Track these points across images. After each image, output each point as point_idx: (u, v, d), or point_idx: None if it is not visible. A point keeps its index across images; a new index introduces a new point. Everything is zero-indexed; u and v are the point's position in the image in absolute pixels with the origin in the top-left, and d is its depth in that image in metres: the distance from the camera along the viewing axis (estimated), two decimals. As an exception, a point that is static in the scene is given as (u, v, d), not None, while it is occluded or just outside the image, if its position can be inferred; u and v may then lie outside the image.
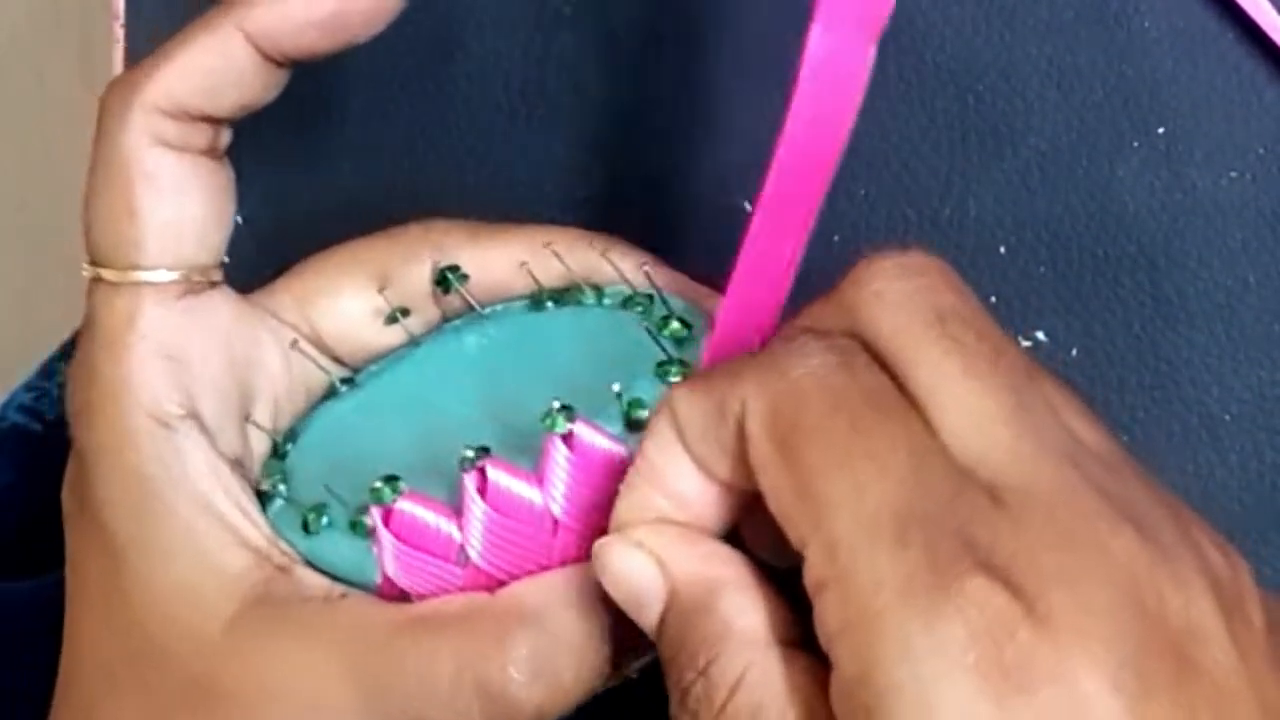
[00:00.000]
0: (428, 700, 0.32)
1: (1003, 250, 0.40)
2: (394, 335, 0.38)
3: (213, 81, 0.34)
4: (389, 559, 0.33)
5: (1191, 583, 0.27)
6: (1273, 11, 0.39)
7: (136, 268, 0.34)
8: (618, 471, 0.32)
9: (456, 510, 0.33)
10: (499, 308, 0.38)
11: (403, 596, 0.34)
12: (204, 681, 0.34)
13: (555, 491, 0.33)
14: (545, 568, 0.33)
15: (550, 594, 0.33)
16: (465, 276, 0.37)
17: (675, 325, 0.35)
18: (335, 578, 0.35)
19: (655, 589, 0.30)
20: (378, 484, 0.34)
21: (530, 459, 0.33)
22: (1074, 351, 0.40)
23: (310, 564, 0.35)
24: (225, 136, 0.36)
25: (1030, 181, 0.40)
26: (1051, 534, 0.27)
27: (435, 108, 0.43)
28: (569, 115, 0.41)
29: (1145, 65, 0.40)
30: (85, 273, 0.35)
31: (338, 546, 0.35)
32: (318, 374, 0.38)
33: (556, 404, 0.33)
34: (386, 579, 0.34)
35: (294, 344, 0.37)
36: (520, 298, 0.38)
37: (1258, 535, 0.40)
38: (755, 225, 0.32)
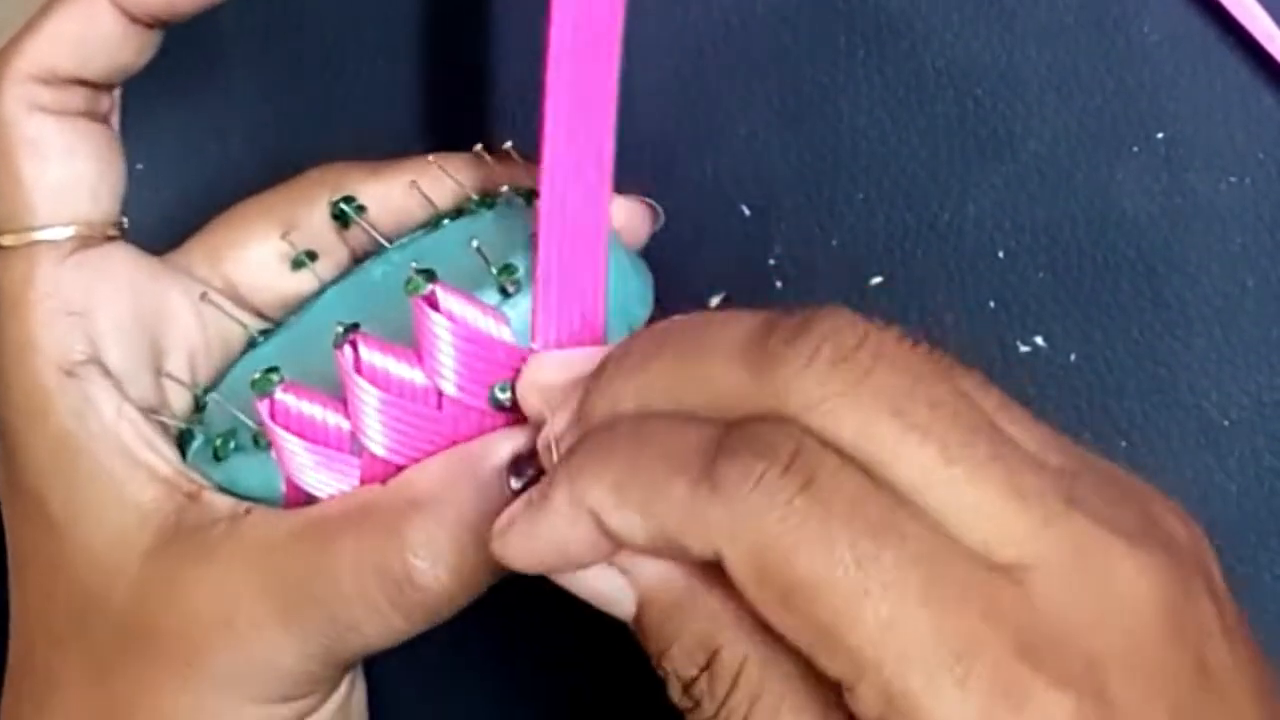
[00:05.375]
0: (337, 599, 0.32)
1: (1001, 255, 0.40)
2: (307, 281, 0.38)
3: (81, 47, 0.35)
4: (286, 457, 0.33)
5: (1190, 581, 0.28)
6: (1268, 20, 0.39)
7: (31, 229, 0.35)
8: (492, 337, 0.32)
9: (341, 399, 0.33)
10: (404, 240, 0.38)
11: (309, 500, 0.34)
12: (135, 621, 0.34)
13: (432, 360, 0.32)
14: (440, 445, 0.33)
15: (441, 475, 0.33)
16: (362, 208, 0.38)
17: None
18: (247, 498, 0.35)
19: (625, 594, 0.30)
20: (257, 375, 0.33)
21: None
22: (1072, 356, 0.40)
23: (225, 491, 0.35)
24: (105, 101, 0.37)
25: (1029, 186, 0.40)
26: (1085, 603, 0.27)
27: (431, 110, 0.43)
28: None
29: (1145, 70, 0.40)
30: None
31: (246, 465, 0.35)
32: (236, 329, 0.38)
33: (414, 266, 0.33)
34: (290, 484, 0.34)
35: (203, 296, 0.37)
36: (420, 225, 0.38)
37: (1257, 540, 0.40)
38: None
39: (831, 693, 0.28)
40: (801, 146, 0.41)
